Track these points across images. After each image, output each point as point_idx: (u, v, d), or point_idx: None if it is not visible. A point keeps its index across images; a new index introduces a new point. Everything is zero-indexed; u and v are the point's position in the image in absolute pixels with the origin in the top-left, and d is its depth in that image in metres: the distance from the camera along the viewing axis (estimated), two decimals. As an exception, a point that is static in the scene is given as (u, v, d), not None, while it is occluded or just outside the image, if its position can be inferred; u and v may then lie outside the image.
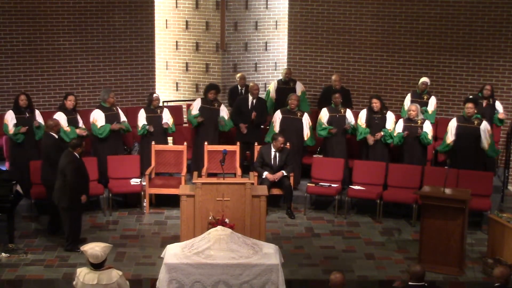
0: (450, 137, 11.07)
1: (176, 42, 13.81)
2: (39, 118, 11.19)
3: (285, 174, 11.02)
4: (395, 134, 11.25)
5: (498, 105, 11.86)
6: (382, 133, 11.34)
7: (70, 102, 11.27)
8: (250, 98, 12.22)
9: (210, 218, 9.04)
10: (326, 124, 11.62)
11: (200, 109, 11.96)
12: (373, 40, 13.24)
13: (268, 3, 13.77)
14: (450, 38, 12.74)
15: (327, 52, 13.56)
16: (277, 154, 11.13)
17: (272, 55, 13.97)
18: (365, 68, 13.36)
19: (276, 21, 13.87)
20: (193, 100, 12.66)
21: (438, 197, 9.16)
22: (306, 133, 11.66)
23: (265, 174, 11.02)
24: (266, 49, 13.91)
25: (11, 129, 10.89)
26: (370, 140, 11.42)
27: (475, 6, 12.49)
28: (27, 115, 11.04)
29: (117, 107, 11.74)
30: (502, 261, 8.95)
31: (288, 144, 11.27)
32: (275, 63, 13.96)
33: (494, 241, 9.39)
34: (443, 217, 9.13)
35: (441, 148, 11.29)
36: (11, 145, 11.14)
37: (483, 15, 12.48)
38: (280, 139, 11.04)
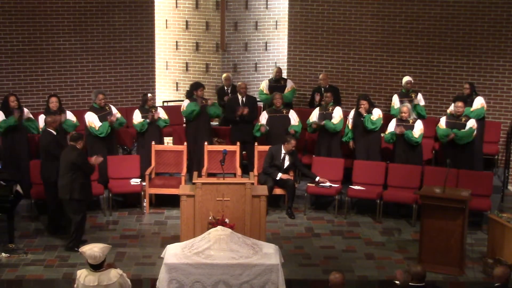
0: (442, 126, 11.17)
1: (176, 42, 13.81)
2: (28, 115, 11.21)
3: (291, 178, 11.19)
4: (386, 133, 11.29)
5: (477, 101, 11.78)
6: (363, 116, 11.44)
7: (52, 105, 11.23)
8: (240, 97, 12.27)
9: (210, 218, 9.04)
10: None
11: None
12: (373, 40, 13.24)
13: (268, 3, 13.77)
14: (450, 38, 12.74)
15: (327, 52, 13.56)
16: (286, 156, 11.16)
17: (272, 55, 13.97)
18: (365, 68, 13.36)
19: (276, 21, 13.87)
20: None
21: (438, 197, 9.15)
22: (293, 123, 11.74)
23: (280, 175, 11.04)
24: (266, 49, 13.91)
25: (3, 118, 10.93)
26: (352, 146, 11.65)
27: (475, 6, 12.49)
28: (16, 115, 11.03)
29: (110, 106, 11.74)
30: (502, 261, 8.94)
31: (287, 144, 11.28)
32: (275, 63, 13.95)
33: (494, 241, 9.38)
34: (443, 217, 9.13)
35: (443, 135, 11.17)
36: (3, 145, 11.10)
37: (483, 15, 12.47)
38: (293, 141, 11.08)
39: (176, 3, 13.67)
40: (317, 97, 12.61)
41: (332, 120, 11.64)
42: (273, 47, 13.95)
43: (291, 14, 13.72)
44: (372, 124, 11.40)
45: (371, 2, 13.11)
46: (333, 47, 13.50)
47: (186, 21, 13.69)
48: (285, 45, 13.91)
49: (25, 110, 11.31)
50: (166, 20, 13.77)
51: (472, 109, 11.64)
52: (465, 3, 12.53)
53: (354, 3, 13.22)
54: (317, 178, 11.17)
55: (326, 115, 11.74)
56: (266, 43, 13.89)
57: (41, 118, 11.11)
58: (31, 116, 11.27)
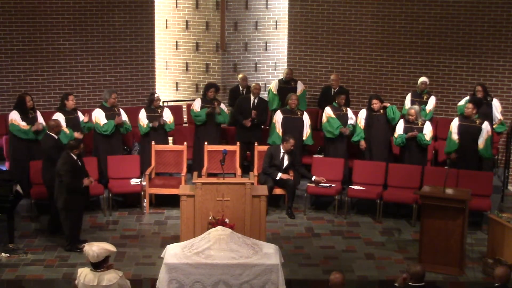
0: (455, 136, 11.05)
1: (176, 42, 13.81)
2: (40, 119, 11.19)
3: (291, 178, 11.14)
4: (396, 135, 11.26)
5: (495, 104, 11.77)
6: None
7: (71, 102, 11.25)
8: (252, 98, 12.25)
9: (210, 218, 9.04)
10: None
11: (201, 109, 12.00)
12: (373, 40, 13.24)
13: (268, 3, 13.77)
14: (450, 38, 12.74)
15: (327, 52, 13.56)
16: (285, 155, 11.16)
17: (272, 55, 13.97)
18: (365, 68, 13.37)
19: (276, 21, 13.87)
20: (193, 100, 12.67)
21: (438, 197, 9.15)
22: (306, 132, 11.69)
23: (280, 175, 11.04)
24: (266, 49, 13.91)
25: (24, 125, 10.85)
26: (363, 145, 11.53)
27: (475, 6, 12.50)
28: (31, 115, 11.05)
29: (119, 108, 11.75)
30: (502, 261, 8.94)
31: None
32: (275, 63, 13.96)
33: (494, 241, 9.38)
34: (443, 217, 9.13)
35: (447, 149, 11.16)
36: (12, 145, 11.11)
37: (483, 15, 12.48)
38: (292, 141, 11.05)
39: (176, 3, 13.67)
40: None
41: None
42: (273, 47, 13.95)
43: (291, 14, 13.72)
44: (393, 113, 11.37)
45: (371, 2, 13.11)
46: (333, 47, 13.50)
47: (186, 21, 13.69)
48: (285, 45, 13.92)
49: (37, 112, 11.30)
50: (166, 20, 13.77)
51: (500, 118, 11.64)
52: (465, 3, 12.53)
53: (354, 3, 13.23)
54: (313, 178, 11.17)
55: (342, 116, 11.71)
56: (266, 43, 13.90)
57: (58, 116, 11.05)
58: (43, 123, 11.17)
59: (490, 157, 11.21)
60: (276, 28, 13.90)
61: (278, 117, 11.77)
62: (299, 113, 11.78)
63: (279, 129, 11.68)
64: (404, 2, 12.92)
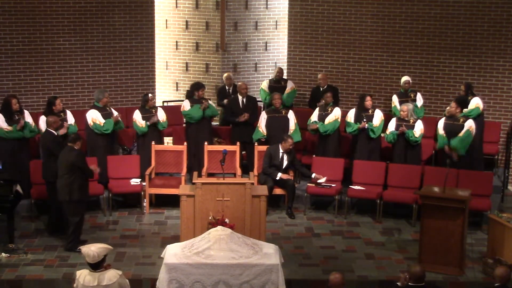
0: (441, 131, 11.13)
1: (176, 42, 13.81)
2: (28, 118, 11.13)
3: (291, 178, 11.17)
4: (388, 132, 11.30)
5: (473, 102, 11.68)
6: (366, 124, 11.41)
7: (58, 107, 11.18)
8: (240, 97, 12.28)
9: (210, 218, 9.04)
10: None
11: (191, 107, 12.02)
12: (373, 40, 13.24)
13: (268, 3, 13.77)
14: (450, 38, 12.74)
15: (327, 52, 13.56)
16: (285, 155, 11.17)
17: (272, 55, 13.97)
18: (365, 68, 13.36)
19: (276, 21, 13.87)
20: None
21: (438, 197, 9.16)
22: (290, 128, 11.72)
23: (280, 175, 11.04)
24: (266, 49, 13.91)
25: (6, 127, 10.81)
26: (363, 125, 11.47)
27: (475, 6, 12.49)
28: (16, 117, 10.99)
29: (110, 107, 11.75)
30: (502, 261, 8.95)
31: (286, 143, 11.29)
32: (275, 63, 13.95)
33: (494, 241, 9.39)
34: (443, 217, 9.13)
35: (439, 145, 11.23)
36: (1, 147, 11.02)
37: (483, 15, 12.47)
38: (290, 140, 11.09)
39: (176, 3, 13.67)
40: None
41: (327, 118, 11.69)
42: (273, 47, 13.96)
43: (291, 14, 13.72)
44: (374, 133, 11.44)
45: (371, 2, 13.11)
46: (333, 47, 13.50)
47: (186, 21, 13.69)
48: (285, 45, 13.91)
49: (26, 112, 11.28)
50: (166, 20, 13.77)
51: (466, 110, 11.60)
52: (465, 3, 12.53)
53: (354, 3, 13.22)
54: (313, 175, 11.18)
55: (324, 115, 11.76)
56: (266, 43, 13.90)
57: (41, 119, 11.07)
58: (30, 121, 11.14)
59: (459, 149, 10.92)
60: (276, 28, 13.91)
61: (262, 117, 11.89)
62: (283, 112, 11.84)
63: (262, 129, 11.79)
64: (404, 2, 12.92)
